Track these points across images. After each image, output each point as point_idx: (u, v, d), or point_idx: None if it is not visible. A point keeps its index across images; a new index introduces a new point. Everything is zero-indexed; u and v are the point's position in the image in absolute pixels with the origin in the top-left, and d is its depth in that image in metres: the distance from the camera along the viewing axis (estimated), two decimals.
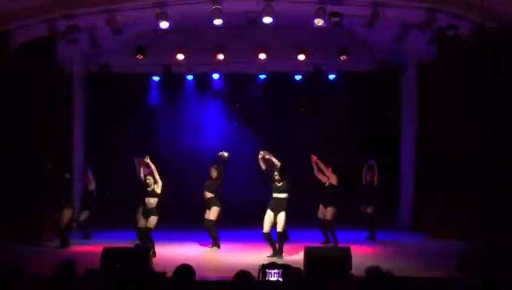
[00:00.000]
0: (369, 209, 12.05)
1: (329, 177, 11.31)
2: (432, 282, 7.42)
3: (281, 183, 10.12)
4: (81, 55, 13.65)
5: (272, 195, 10.17)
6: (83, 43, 12.49)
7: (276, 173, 10.11)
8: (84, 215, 12.20)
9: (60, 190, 11.32)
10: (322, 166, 11.30)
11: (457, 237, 10.90)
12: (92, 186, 12.27)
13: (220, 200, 11.01)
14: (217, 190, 11.01)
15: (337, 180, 11.32)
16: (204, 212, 10.99)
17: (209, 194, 10.95)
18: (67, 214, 11.21)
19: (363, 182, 12.23)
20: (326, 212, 11.29)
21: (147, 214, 10.21)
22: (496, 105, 11.26)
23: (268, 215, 10.10)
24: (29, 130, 12.07)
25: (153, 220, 10.14)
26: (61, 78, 13.23)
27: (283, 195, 10.11)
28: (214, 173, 10.97)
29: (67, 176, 11.67)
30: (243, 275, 4.89)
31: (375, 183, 12.08)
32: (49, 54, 12.07)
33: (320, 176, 11.40)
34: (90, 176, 12.32)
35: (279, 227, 10.00)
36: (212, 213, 10.90)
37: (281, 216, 10.01)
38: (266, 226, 10.08)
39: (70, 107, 13.72)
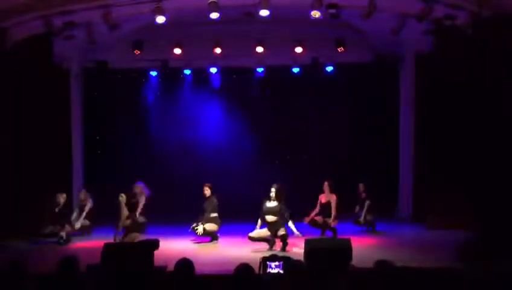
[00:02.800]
0: (369, 217, 12.11)
1: (328, 197, 11.43)
2: (432, 272, 7.42)
3: (273, 204, 10.05)
4: (78, 51, 13.60)
5: (264, 215, 10.08)
6: (80, 40, 12.45)
7: (274, 190, 10.04)
8: (85, 222, 12.16)
9: (59, 218, 11.32)
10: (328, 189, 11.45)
11: (457, 228, 10.91)
12: (90, 204, 12.22)
13: (219, 219, 11.07)
14: (216, 208, 11.04)
15: (337, 199, 11.39)
16: (198, 222, 10.99)
17: (212, 214, 11.02)
18: (67, 228, 11.29)
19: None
20: (326, 220, 11.37)
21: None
22: (494, 96, 11.24)
23: (264, 230, 10.09)
24: (27, 126, 12.06)
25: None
26: (58, 74, 13.22)
27: (274, 218, 10.02)
28: (207, 192, 11.07)
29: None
30: (244, 269, 4.90)
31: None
32: (46, 51, 12.03)
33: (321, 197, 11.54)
34: (85, 196, 12.30)
35: (281, 231, 9.94)
36: (210, 227, 10.96)
37: (282, 230, 9.95)
38: (254, 233, 10.08)
39: (67, 104, 13.69)
